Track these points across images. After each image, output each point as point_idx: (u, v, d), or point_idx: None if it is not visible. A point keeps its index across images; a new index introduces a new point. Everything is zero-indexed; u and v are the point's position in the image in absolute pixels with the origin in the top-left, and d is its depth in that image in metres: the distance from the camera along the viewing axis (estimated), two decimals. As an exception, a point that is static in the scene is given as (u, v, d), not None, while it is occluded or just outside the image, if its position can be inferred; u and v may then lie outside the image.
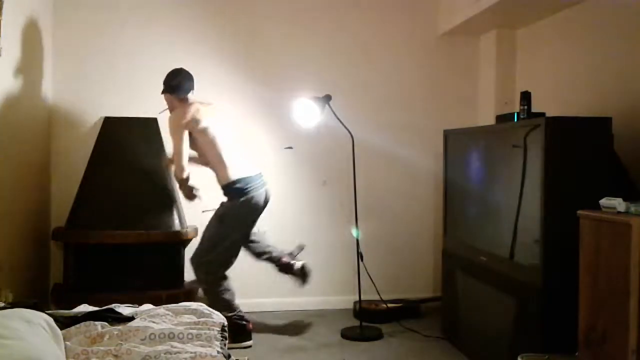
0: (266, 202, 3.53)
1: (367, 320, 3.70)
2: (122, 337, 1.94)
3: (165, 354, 1.81)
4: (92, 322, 2.05)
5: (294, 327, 3.80)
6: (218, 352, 1.88)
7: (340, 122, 3.65)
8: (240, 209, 3.43)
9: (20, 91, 3.33)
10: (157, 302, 2.79)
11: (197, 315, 2.20)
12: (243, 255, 3.93)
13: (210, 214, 3.51)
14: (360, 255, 3.69)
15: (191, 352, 1.82)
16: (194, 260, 3.46)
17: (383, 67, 4.27)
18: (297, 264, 3.66)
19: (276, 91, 4.09)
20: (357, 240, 3.70)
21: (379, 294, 3.84)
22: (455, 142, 3.52)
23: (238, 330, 3.34)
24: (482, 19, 3.81)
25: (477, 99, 4.35)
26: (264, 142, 4.15)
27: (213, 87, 4.10)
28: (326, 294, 4.14)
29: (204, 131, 3.37)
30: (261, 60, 4.11)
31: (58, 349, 1.75)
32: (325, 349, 3.41)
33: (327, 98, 3.64)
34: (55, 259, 3.89)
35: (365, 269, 3.71)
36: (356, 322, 3.69)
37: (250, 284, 4.13)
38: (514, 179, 2.82)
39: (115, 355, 1.81)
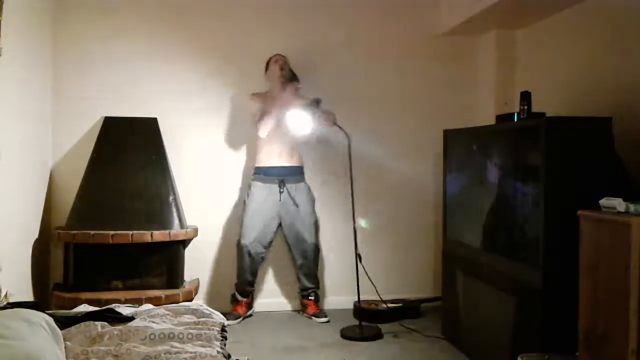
0: None
1: (367, 320, 3.70)
2: (122, 337, 1.94)
3: (165, 354, 1.81)
4: (92, 322, 2.05)
5: (294, 327, 3.80)
6: (218, 352, 1.88)
7: (339, 126, 3.65)
8: None
9: (20, 91, 3.33)
10: (157, 302, 2.80)
11: (197, 315, 2.21)
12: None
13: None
14: (358, 257, 3.68)
15: (191, 352, 1.83)
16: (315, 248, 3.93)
17: (383, 67, 4.26)
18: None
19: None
20: (355, 242, 3.69)
21: (378, 294, 3.83)
22: (455, 142, 3.52)
23: None
24: (482, 19, 3.81)
25: (477, 98, 4.34)
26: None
27: (212, 86, 4.11)
28: (326, 294, 4.13)
29: None
30: (259, 60, 4.09)
31: (58, 349, 1.76)
32: (325, 349, 3.41)
33: (317, 102, 3.68)
34: (55, 259, 3.89)
35: (364, 269, 3.70)
36: (356, 322, 3.68)
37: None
38: (514, 179, 2.82)
39: (115, 355, 1.81)
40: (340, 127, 3.68)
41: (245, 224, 3.83)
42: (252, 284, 3.93)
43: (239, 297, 3.89)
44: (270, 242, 3.95)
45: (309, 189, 3.97)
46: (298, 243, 3.92)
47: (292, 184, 3.88)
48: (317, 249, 3.96)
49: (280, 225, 3.94)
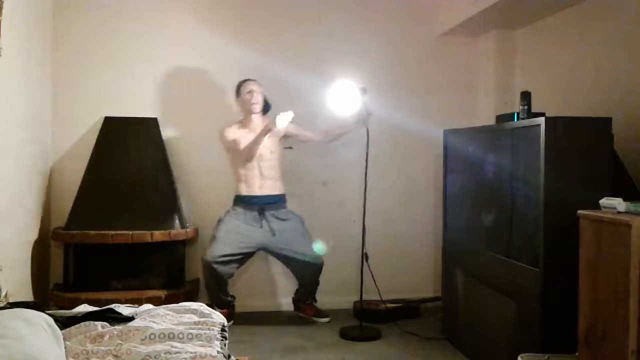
0: None
1: (367, 320, 3.70)
2: (122, 337, 1.93)
3: (165, 354, 1.81)
4: (92, 322, 2.05)
5: (294, 327, 3.80)
6: (218, 352, 1.88)
7: (364, 119, 3.64)
8: None
9: (20, 91, 3.33)
10: (157, 302, 2.79)
11: (197, 315, 2.20)
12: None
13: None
14: (365, 256, 3.68)
15: (191, 352, 1.82)
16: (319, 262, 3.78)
17: (382, 67, 4.26)
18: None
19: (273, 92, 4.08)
20: (363, 241, 3.69)
21: (380, 294, 3.83)
22: (455, 142, 3.52)
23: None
24: (482, 19, 3.80)
25: (477, 98, 4.34)
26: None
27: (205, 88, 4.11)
28: (326, 293, 4.13)
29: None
30: (259, 61, 4.10)
31: (58, 348, 1.75)
32: (325, 349, 3.41)
33: (363, 90, 3.63)
34: (55, 259, 3.89)
35: (369, 269, 3.70)
36: (356, 322, 3.69)
37: (251, 284, 4.13)
38: (514, 179, 2.82)
39: (115, 355, 1.81)
40: (365, 123, 3.66)
41: (215, 239, 3.63)
42: (225, 293, 3.74)
43: (216, 308, 3.44)
44: (239, 266, 3.74)
45: (293, 212, 3.84)
46: (298, 265, 3.79)
47: (273, 210, 3.75)
48: (318, 266, 3.78)
49: (266, 251, 3.82)
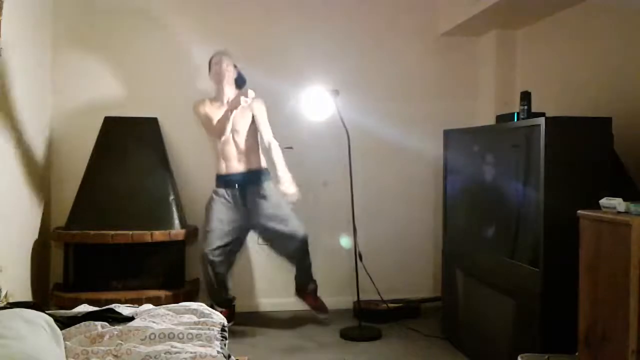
0: None
1: (367, 320, 3.70)
2: (122, 337, 1.93)
3: (165, 354, 1.81)
4: (92, 322, 2.05)
5: (294, 327, 3.80)
6: (218, 352, 1.88)
7: (341, 119, 3.64)
8: None
9: (20, 91, 3.33)
10: (157, 302, 2.79)
11: (197, 315, 2.20)
12: (244, 256, 3.96)
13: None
14: (359, 255, 3.68)
15: (191, 352, 1.82)
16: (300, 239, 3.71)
17: (382, 67, 4.26)
18: None
19: (274, 89, 4.09)
20: (355, 241, 3.69)
21: (379, 293, 3.83)
22: (455, 142, 3.52)
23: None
24: (482, 19, 3.81)
25: (477, 99, 4.34)
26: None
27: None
28: (326, 294, 4.13)
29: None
30: (260, 60, 4.10)
31: (58, 348, 1.75)
32: (325, 349, 3.41)
33: (335, 93, 3.65)
34: (55, 259, 3.89)
35: (365, 269, 3.70)
36: (356, 322, 3.69)
37: (250, 284, 4.14)
38: (514, 179, 2.82)
39: (115, 355, 1.81)
40: (343, 123, 3.66)
41: (207, 230, 3.62)
42: (226, 292, 3.71)
43: (217, 308, 3.48)
44: (235, 251, 3.77)
45: (273, 186, 3.71)
46: (279, 239, 3.73)
47: (255, 186, 3.68)
48: (302, 239, 3.70)
49: (254, 231, 3.80)
